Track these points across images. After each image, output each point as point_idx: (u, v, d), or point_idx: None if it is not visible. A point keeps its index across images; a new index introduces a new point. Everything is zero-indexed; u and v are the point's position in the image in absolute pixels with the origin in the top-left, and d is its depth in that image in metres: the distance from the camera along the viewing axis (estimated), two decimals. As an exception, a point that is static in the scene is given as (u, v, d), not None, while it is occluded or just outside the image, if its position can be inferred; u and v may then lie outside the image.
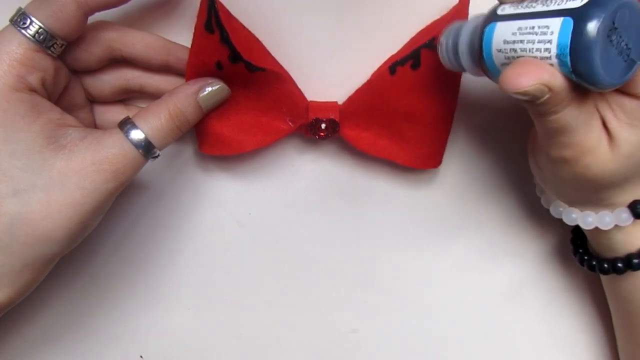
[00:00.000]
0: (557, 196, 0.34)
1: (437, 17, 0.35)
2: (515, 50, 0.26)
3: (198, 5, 0.32)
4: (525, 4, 0.27)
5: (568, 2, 0.24)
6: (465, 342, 0.41)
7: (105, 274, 0.39)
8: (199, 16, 0.32)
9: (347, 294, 0.40)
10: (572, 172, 0.29)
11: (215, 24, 0.32)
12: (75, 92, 0.34)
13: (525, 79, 0.25)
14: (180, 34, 0.35)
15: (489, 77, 0.30)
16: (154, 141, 0.31)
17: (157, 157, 0.32)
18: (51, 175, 0.29)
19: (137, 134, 0.31)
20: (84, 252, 0.38)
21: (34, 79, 0.30)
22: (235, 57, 0.33)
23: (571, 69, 0.24)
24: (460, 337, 0.41)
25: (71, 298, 0.39)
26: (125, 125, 0.31)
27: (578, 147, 0.28)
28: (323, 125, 0.36)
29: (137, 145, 0.31)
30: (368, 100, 0.35)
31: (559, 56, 0.24)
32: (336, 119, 0.36)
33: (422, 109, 0.35)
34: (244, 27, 0.35)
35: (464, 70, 0.31)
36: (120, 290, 0.39)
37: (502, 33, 0.27)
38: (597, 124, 0.28)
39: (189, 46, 0.33)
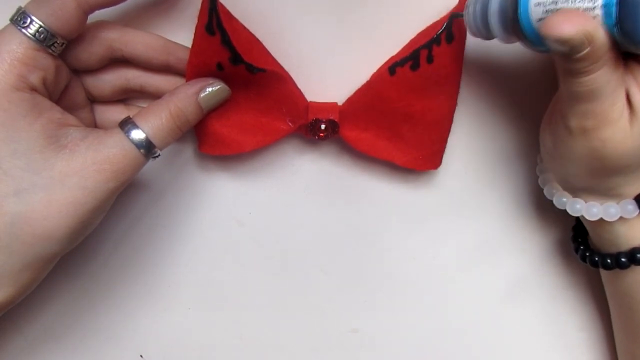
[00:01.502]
0: (563, 182, 0.34)
1: (437, 18, 0.35)
2: (555, 3, 0.26)
3: (198, 4, 0.32)
4: None
5: None
6: (465, 341, 0.41)
7: (105, 274, 0.39)
8: (199, 17, 0.32)
9: (347, 294, 0.40)
10: (588, 147, 0.29)
11: (216, 25, 0.32)
12: (75, 91, 0.34)
13: (569, 26, 0.25)
14: (180, 33, 0.35)
15: (520, 37, 0.29)
16: (154, 141, 0.31)
17: (157, 156, 0.32)
18: (52, 175, 0.29)
19: (137, 134, 0.31)
20: (84, 252, 0.38)
21: (35, 78, 0.30)
22: (236, 59, 0.33)
23: (616, 22, 0.24)
24: (460, 335, 0.41)
25: (71, 297, 0.39)
26: (126, 125, 0.31)
27: (600, 117, 0.28)
28: (323, 126, 0.36)
29: (137, 145, 0.31)
30: (368, 101, 0.36)
31: (605, 6, 0.24)
32: (336, 120, 0.36)
33: (422, 110, 0.35)
34: (245, 27, 0.35)
35: (491, 35, 0.31)
36: (120, 290, 0.39)
37: None
38: (623, 95, 0.28)
39: (189, 46, 0.33)
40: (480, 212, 0.40)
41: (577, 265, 0.40)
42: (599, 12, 0.25)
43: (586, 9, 0.25)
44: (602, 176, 0.31)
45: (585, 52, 0.26)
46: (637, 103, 0.28)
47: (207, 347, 0.40)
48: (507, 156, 0.39)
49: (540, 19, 0.27)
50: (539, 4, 0.27)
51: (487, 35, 0.31)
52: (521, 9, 0.28)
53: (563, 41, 0.26)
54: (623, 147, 0.29)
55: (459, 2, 0.34)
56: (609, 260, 0.34)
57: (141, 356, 0.40)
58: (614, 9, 0.24)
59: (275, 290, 0.40)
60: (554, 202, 0.35)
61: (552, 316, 0.41)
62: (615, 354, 0.39)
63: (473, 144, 0.39)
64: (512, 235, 0.40)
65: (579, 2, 0.25)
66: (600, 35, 0.25)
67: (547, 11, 0.27)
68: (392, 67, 0.34)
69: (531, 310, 0.41)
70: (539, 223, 0.40)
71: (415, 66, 0.34)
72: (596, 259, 0.34)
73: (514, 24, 0.29)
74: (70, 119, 0.31)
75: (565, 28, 0.25)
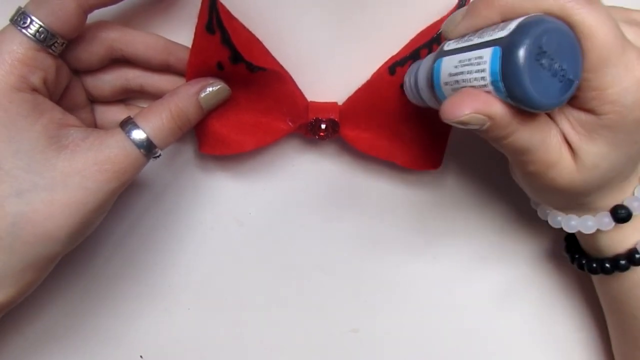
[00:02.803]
0: (541, 202, 0.34)
1: (437, 17, 0.35)
2: (457, 82, 0.27)
3: (197, 3, 0.32)
4: (465, 38, 0.28)
5: (498, 32, 0.25)
6: (464, 341, 0.41)
7: (106, 274, 0.39)
8: (199, 17, 0.32)
9: (347, 294, 0.40)
10: (543, 184, 0.30)
11: (216, 24, 0.32)
12: (76, 91, 0.34)
13: (460, 109, 0.26)
14: (180, 33, 0.35)
15: None
16: (155, 141, 0.31)
17: (158, 156, 0.32)
18: (54, 175, 0.29)
19: (138, 134, 0.31)
20: (85, 252, 0.38)
21: (35, 79, 0.30)
22: (236, 57, 0.33)
23: (506, 94, 0.25)
24: (460, 335, 0.41)
25: (72, 298, 0.39)
26: (127, 125, 0.31)
27: (540, 164, 0.28)
28: (323, 126, 0.36)
29: (138, 145, 0.31)
30: (368, 101, 0.36)
31: (493, 83, 0.25)
32: (336, 119, 0.36)
33: (422, 110, 0.35)
34: (245, 27, 0.35)
35: (427, 105, 0.32)
36: (120, 290, 0.39)
37: (447, 67, 0.28)
38: (556, 140, 0.28)
39: (189, 46, 0.33)
40: (480, 212, 0.40)
41: (570, 268, 0.40)
42: (490, 88, 0.26)
43: (481, 87, 0.26)
44: (570, 198, 0.31)
45: (487, 125, 0.26)
46: (574, 142, 0.28)
47: (207, 347, 0.40)
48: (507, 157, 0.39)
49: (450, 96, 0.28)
50: (447, 84, 0.28)
51: (425, 104, 0.32)
52: (436, 89, 0.29)
53: (460, 123, 0.26)
54: (574, 180, 0.29)
55: (458, 2, 0.34)
56: (594, 265, 0.34)
57: (141, 356, 0.40)
58: (500, 85, 0.25)
59: (276, 290, 0.40)
60: (538, 213, 0.35)
61: (548, 318, 0.41)
62: (610, 355, 0.39)
63: (473, 144, 0.39)
64: (511, 235, 0.40)
65: (474, 81, 0.26)
66: (494, 109, 0.26)
67: (453, 89, 0.28)
68: (393, 66, 0.34)
69: (528, 312, 0.41)
70: (539, 223, 0.40)
71: (415, 66, 0.34)
72: (583, 262, 0.35)
73: (437, 98, 0.30)
74: (71, 119, 0.31)
75: (457, 112, 0.26)
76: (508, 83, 0.25)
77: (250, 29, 0.35)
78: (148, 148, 0.31)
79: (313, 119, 0.35)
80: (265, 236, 0.39)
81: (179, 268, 0.39)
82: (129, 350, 0.40)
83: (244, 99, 0.35)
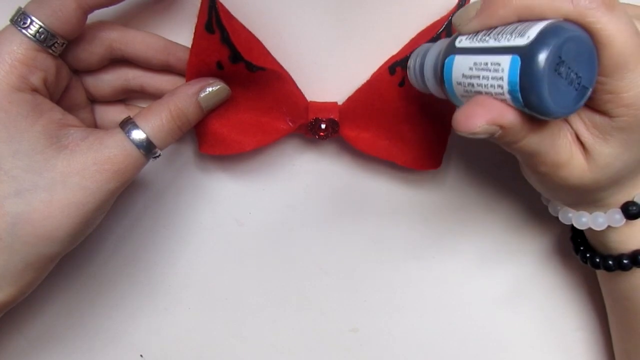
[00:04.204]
0: (552, 199, 0.34)
1: (438, 17, 0.35)
2: (472, 85, 0.27)
3: (197, 3, 0.32)
4: (479, 37, 0.27)
5: (516, 39, 0.25)
6: (464, 340, 0.41)
7: (106, 274, 0.39)
8: (199, 16, 0.32)
9: (347, 294, 0.40)
10: (554, 183, 0.30)
11: (215, 24, 0.32)
12: (76, 91, 0.34)
13: (473, 121, 0.26)
14: (179, 33, 0.35)
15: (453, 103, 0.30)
16: (155, 141, 0.31)
17: (158, 156, 0.32)
18: (53, 176, 0.29)
19: (138, 134, 0.31)
20: (85, 252, 0.38)
21: (35, 79, 0.30)
22: (235, 57, 0.33)
23: (523, 104, 0.25)
24: (460, 335, 0.41)
25: (72, 297, 0.39)
26: (127, 125, 0.31)
27: (551, 165, 0.29)
28: (323, 125, 0.36)
29: (138, 145, 0.31)
30: (368, 101, 0.36)
31: (510, 92, 0.25)
32: (336, 119, 0.36)
33: (422, 110, 0.35)
34: (244, 27, 0.35)
35: (429, 92, 0.32)
36: (120, 290, 0.39)
37: (460, 67, 0.28)
38: (566, 141, 0.28)
39: (189, 46, 0.33)
40: (481, 212, 0.40)
41: (575, 266, 0.40)
42: (507, 97, 0.25)
43: (497, 94, 0.26)
44: (581, 195, 0.31)
45: (499, 134, 0.26)
46: (587, 142, 0.28)
47: (207, 347, 0.40)
48: (508, 156, 0.39)
49: (463, 95, 0.28)
50: (460, 84, 0.28)
51: (428, 91, 0.32)
52: (447, 85, 0.29)
53: (473, 135, 0.26)
54: (585, 179, 0.29)
55: (459, 2, 0.34)
56: (597, 260, 0.34)
57: (141, 356, 0.40)
58: (518, 95, 0.25)
59: (275, 290, 0.40)
60: (549, 209, 0.35)
61: (550, 316, 0.41)
62: (612, 353, 0.39)
63: (473, 144, 0.39)
64: (511, 235, 0.40)
65: (490, 87, 0.26)
66: (507, 119, 0.26)
67: (467, 91, 0.27)
68: (393, 66, 0.34)
69: (530, 310, 0.41)
70: (539, 223, 0.40)
71: (415, 66, 0.34)
72: (588, 255, 0.35)
73: (445, 92, 0.30)
74: (71, 119, 0.31)
75: (470, 124, 0.26)
76: (526, 94, 0.24)
77: (250, 29, 0.35)
78: (148, 148, 0.31)
79: (313, 119, 0.35)
80: (265, 236, 0.39)
81: (179, 268, 0.39)
82: (129, 350, 0.40)
83: (244, 99, 0.35)
